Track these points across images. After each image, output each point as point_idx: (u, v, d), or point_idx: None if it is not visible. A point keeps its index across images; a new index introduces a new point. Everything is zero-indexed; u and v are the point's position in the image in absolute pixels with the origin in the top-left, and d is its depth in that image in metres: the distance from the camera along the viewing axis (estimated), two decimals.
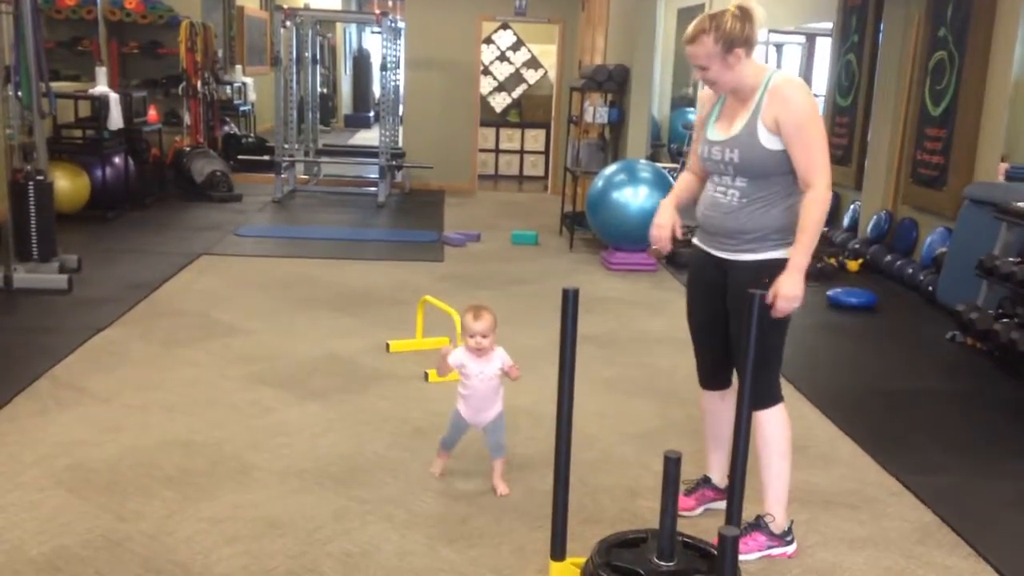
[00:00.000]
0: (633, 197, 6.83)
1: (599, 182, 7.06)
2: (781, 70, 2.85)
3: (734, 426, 2.42)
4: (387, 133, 10.07)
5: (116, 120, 8.06)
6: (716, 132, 2.83)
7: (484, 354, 3.15)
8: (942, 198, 6.47)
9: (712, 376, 3.08)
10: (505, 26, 12.79)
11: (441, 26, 10.86)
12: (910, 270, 6.52)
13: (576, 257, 7.50)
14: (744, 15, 2.66)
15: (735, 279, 2.82)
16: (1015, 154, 5.95)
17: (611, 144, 8.58)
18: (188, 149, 9.84)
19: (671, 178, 7.23)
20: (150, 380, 4.17)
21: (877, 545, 2.97)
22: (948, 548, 2.97)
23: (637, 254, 7.04)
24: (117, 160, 8.30)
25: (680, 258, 7.14)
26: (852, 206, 8.00)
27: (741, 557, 2.82)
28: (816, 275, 6.43)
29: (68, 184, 7.55)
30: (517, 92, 13.21)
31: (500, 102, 13.17)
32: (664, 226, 2.94)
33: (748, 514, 2.84)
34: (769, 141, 2.70)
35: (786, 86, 2.71)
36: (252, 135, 12.38)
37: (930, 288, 6.09)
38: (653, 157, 11.11)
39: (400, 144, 11.05)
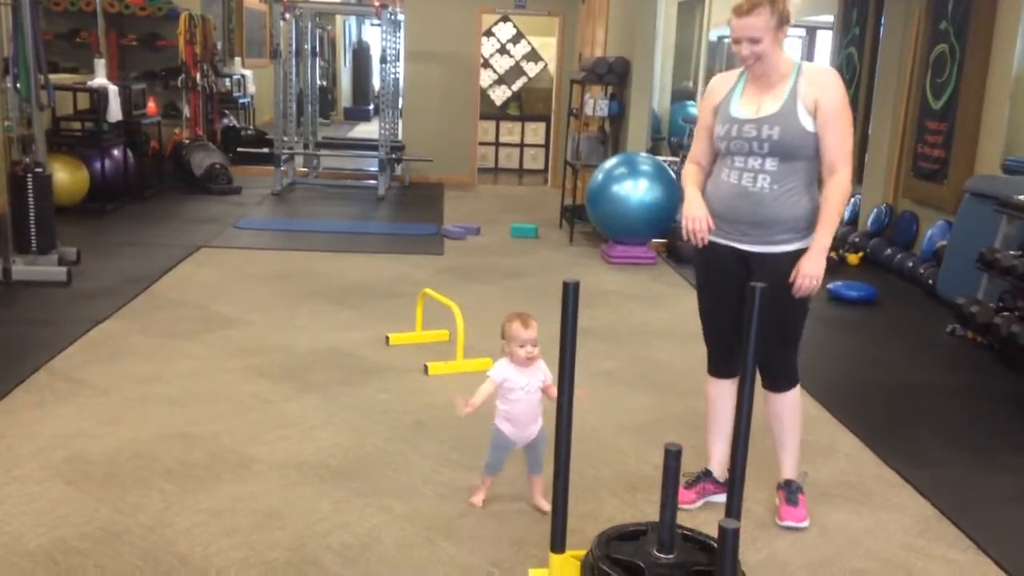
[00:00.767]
0: (633, 190, 6.81)
1: (599, 175, 7.05)
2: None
3: (735, 419, 2.41)
4: (387, 126, 10.05)
5: (115, 112, 8.04)
6: (744, 111, 2.82)
7: (531, 364, 2.95)
8: (943, 191, 6.45)
9: (725, 363, 3.10)
10: (505, 18, 12.75)
11: (441, 18, 10.83)
12: (910, 263, 6.51)
13: (576, 250, 7.49)
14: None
15: (764, 272, 2.79)
16: (1016, 147, 5.94)
17: (611, 137, 8.56)
18: (187, 142, 9.82)
19: (671, 171, 7.22)
20: (149, 373, 4.16)
21: (877, 538, 2.96)
22: (948, 541, 2.96)
23: (637, 247, 7.03)
24: (116, 153, 8.29)
25: (681, 251, 7.14)
26: (852, 199, 7.99)
27: (799, 525, 2.95)
28: None
29: (67, 176, 7.53)
30: (517, 85, 13.18)
31: (500, 95, 13.14)
32: (700, 218, 2.86)
33: (752, 504, 2.84)
34: (807, 122, 2.76)
35: (826, 72, 2.84)
36: (251, 128, 12.36)
37: (930, 281, 6.08)
38: (653, 150, 11.09)
39: (400, 137, 11.03)
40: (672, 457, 2.32)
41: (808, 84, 2.78)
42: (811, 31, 10.74)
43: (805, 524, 2.98)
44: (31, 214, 5.74)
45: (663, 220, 7.01)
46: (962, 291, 5.29)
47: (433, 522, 2.92)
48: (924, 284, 6.18)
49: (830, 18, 8.72)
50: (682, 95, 14.05)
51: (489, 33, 12.73)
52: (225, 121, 11.58)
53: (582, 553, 2.48)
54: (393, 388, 4.11)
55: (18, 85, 5.74)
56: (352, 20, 20.56)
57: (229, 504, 2.97)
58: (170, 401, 3.83)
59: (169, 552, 2.67)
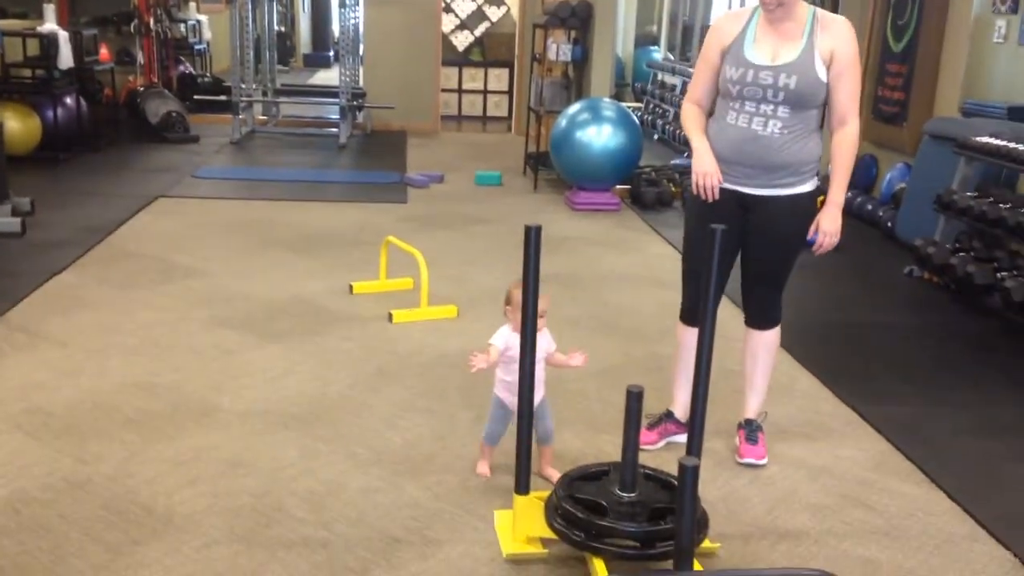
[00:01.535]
0: (597, 136, 6.78)
1: (563, 121, 7.00)
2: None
3: (696, 359, 2.44)
4: (347, 73, 9.88)
5: (66, 59, 7.81)
6: (760, 56, 2.77)
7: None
8: (902, 134, 6.50)
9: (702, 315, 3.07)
10: None
11: None
12: (870, 207, 6.58)
13: (540, 197, 7.47)
14: None
15: (765, 214, 2.86)
16: (974, 90, 5.99)
17: (575, 83, 8.50)
18: (142, 89, 9.59)
19: (635, 117, 7.19)
20: (108, 323, 4.11)
21: (833, 474, 3.03)
22: (902, 475, 3.04)
23: (601, 194, 7.02)
24: (68, 100, 8.06)
25: (644, 197, 7.15)
26: None
27: (758, 463, 3.02)
28: None
29: (18, 125, 7.33)
30: (480, 30, 12.99)
31: (462, 40, 12.95)
32: (712, 172, 2.83)
33: (712, 443, 2.88)
34: (822, 72, 2.76)
35: (841, 22, 2.81)
36: (208, 75, 12.09)
37: (889, 224, 6.15)
38: (618, 96, 11.04)
39: (361, 84, 10.86)
40: (633, 399, 2.35)
41: (824, 33, 2.76)
42: None
43: (764, 462, 3.05)
44: None
45: (627, 166, 7.00)
46: (920, 233, 5.37)
47: (399, 467, 2.94)
48: (883, 227, 6.26)
49: None
50: (646, 40, 13.93)
51: None
52: (181, 68, 11.32)
53: (546, 494, 2.52)
54: (357, 336, 4.10)
55: None
56: None
57: (193, 453, 2.96)
58: (130, 352, 3.79)
59: (132, 501, 2.66)
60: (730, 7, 10.15)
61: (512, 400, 2.78)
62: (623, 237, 6.24)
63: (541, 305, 2.67)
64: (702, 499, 2.45)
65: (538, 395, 2.81)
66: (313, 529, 2.57)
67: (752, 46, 2.79)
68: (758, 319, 3.10)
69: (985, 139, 5.00)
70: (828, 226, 2.85)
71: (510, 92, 12.41)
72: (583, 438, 3.21)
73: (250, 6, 10.04)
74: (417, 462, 2.98)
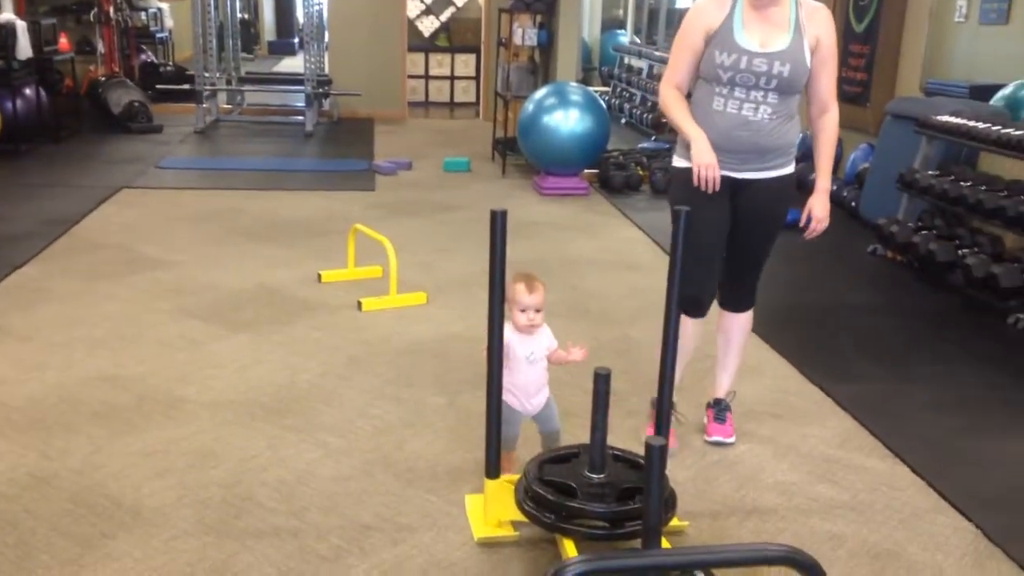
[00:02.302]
0: (564, 121, 6.78)
1: (530, 106, 7.00)
2: None
3: (663, 340, 2.45)
4: (312, 60, 9.79)
5: (24, 49, 7.68)
6: (751, 43, 2.73)
7: (533, 332, 2.68)
8: (865, 115, 6.57)
9: (704, 302, 3.02)
10: None
11: None
12: (834, 187, 6.64)
13: (508, 183, 7.46)
14: None
15: (754, 197, 2.87)
16: (936, 70, 6.05)
17: (541, 67, 8.48)
18: (103, 79, 9.46)
19: (602, 101, 7.20)
20: (72, 316, 4.06)
21: (799, 451, 3.07)
22: (867, 451, 3.09)
23: (569, 178, 7.03)
24: (28, 91, 7.93)
25: (612, 181, 7.16)
26: None
27: (726, 441, 3.05)
28: None
29: None
30: (445, 15, 12.94)
31: (428, 26, 12.89)
32: (713, 164, 2.76)
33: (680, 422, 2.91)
34: (808, 59, 2.77)
35: (825, 10, 2.82)
36: (171, 64, 11.95)
37: (853, 204, 6.22)
38: (584, 80, 11.04)
39: (327, 71, 10.77)
40: (601, 381, 2.37)
41: (810, 22, 2.76)
42: None
43: (732, 440, 3.08)
44: None
45: (595, 150, 7.01)
46: (884, 213, 5.43)
47: (370, 455, 2.94)
48: (847, 207, 6.32)
49: None
50: (612, 24, 13.93)
51: None
52: (143, 57, 11.17)
53: (516, 478, 2.53)
54: (326, 325, 4.08)
55: None
56: None
57: (161, 445, 2.94)
58: (95, 344, 3.75)
59: (100, 495, 2.64)
60: None
61: (516, 401, 2.68)
62: (591, 221, 6.25)
63: (536, 299, 2.63)
64: (670, 478, 2.47)
65: (542, 397, 2.74)
66: (284, 518, 2.57)
67: (742, 31, 2.74)
68: (737, 302, 3.11)
69: (946, 118, 5.06)
70: (821, 212, 2.90)
71: (477, 78, 12.37)
72: None
73: None
74: (388, 449, 2.98)
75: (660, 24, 10.83)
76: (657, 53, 10.30)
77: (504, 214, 2.32)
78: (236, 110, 10.70)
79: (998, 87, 5.47)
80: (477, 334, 3.71)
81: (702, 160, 2.77)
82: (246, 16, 16.89)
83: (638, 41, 12.15)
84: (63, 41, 9.10)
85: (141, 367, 3.54)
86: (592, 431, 2.40)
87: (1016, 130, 4.57)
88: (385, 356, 3.74)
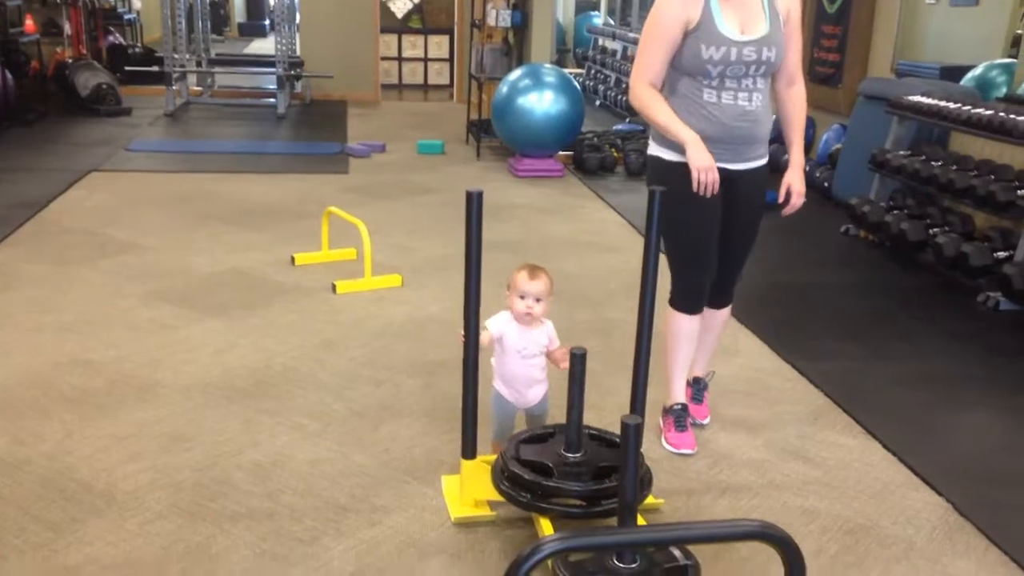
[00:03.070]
0: (539, 102, 6.76)
1: (504, 88, 6.97)
2: None
3: (639, 321, 2.45)
4: (283, 41, 9.69)
5: None
6: (737, 32, 2.62)
7: (531, 323, 2.59)
8: (838, 95, 6.60)
9: (703, 297, 2.93)
10: None
11: None
12: (807, 168, 6.68)
13: (483, 165, 7.44)
14: None
15: (744, 189, 2.80)
16: (907, 51, 6.09)
17: (515, 49, 8.45)
18: (71, 61, 9.30)
19: (576, 83, 7.18)
20: (41, 301, 4.00)
21: (773, 428, 3.10)
22: (839, 428, 3.12)
23: (544, 160, 7.02)
24: None
25: (587, 163, 7.16)
26: None
27: (702, 421, 3.07)
28: None
29: None
30: None
31: (400, 7, 12.78)
32: (713, 167, 2.61)
33: (657, 403, 2.92)
34: (784, 36, 2.71)
35: None
36: (139, 45, 11.78)
37: (826, 184, 6.26)
38: (559, 62, 11.02)
39: (298, 53, 10.66)
40: (577, 360, 2.37)
41: None
42: None
43: (707, 420, 3.10)
44: None
45: (570, 132, 7.00)
46: (856, 193, 5.47)
47: (345, 437, 2.93)
48: (820, 187, 6.36)
49: None
50: (586, 5, 13.88)
51: None
52: (110, 39, 11.00)
53: (493, 458, 2.54)
54: (300, 308, 4.05)
55: None
56: None
57: (133, 429, 2.91)
58: (65, 329, 3.70)
59: (72, 479, 2.61)
60: None
61: (510, 392, 2.64)
62: (567, 203, 6.25)
63: (537, 287, 2.56)
64: (646, 457, 2.49)
65: (538, 392, 2.68)
66: (259, 501, 2.55)
67: (723, 21, 2.62)
68: (723, 299, 3.04)
69: (917, 99, 5.10)
70: (800, 187, 2.81)
71: (451, 59, 12.30)
72: None
73: None
74: (363, 431, 2.97)
75: (634, 6, 10.81)
76: (631, 35, 10.28)
77: (480, 195, 2.31)
78: (206, 92, 10.58)
79: (968, 68, 5.53)
80: (453, 316, 3.72)
81: (701, 164, 2.61)
82: None
83: (612, 23, 12.13)
84: (29, 23, 8.95)
85: (113, 351, 3.50)
86: (568, 410, 2.40)
87: (986, 110, 4.62)
88: (360, 339, 3.73)
